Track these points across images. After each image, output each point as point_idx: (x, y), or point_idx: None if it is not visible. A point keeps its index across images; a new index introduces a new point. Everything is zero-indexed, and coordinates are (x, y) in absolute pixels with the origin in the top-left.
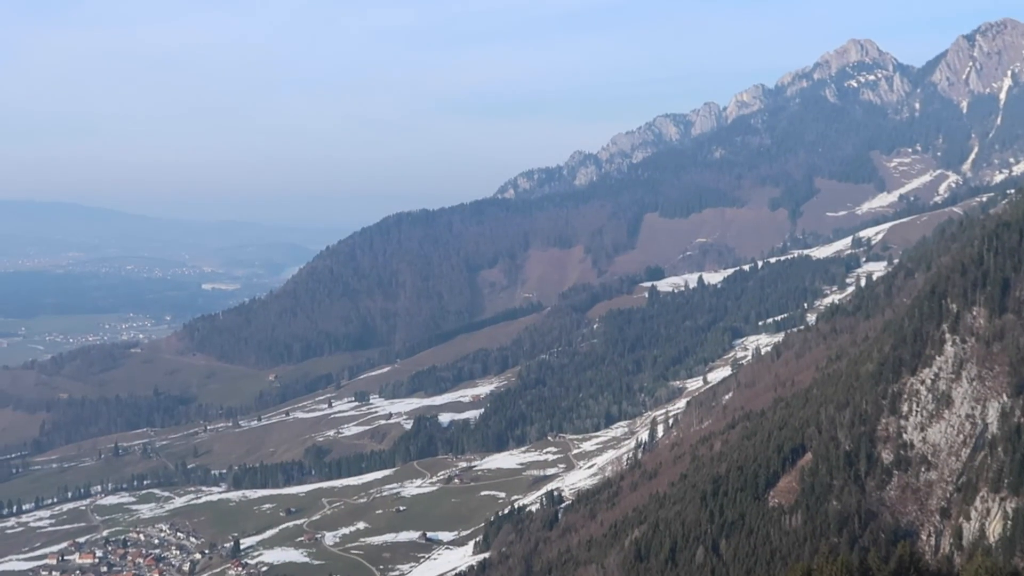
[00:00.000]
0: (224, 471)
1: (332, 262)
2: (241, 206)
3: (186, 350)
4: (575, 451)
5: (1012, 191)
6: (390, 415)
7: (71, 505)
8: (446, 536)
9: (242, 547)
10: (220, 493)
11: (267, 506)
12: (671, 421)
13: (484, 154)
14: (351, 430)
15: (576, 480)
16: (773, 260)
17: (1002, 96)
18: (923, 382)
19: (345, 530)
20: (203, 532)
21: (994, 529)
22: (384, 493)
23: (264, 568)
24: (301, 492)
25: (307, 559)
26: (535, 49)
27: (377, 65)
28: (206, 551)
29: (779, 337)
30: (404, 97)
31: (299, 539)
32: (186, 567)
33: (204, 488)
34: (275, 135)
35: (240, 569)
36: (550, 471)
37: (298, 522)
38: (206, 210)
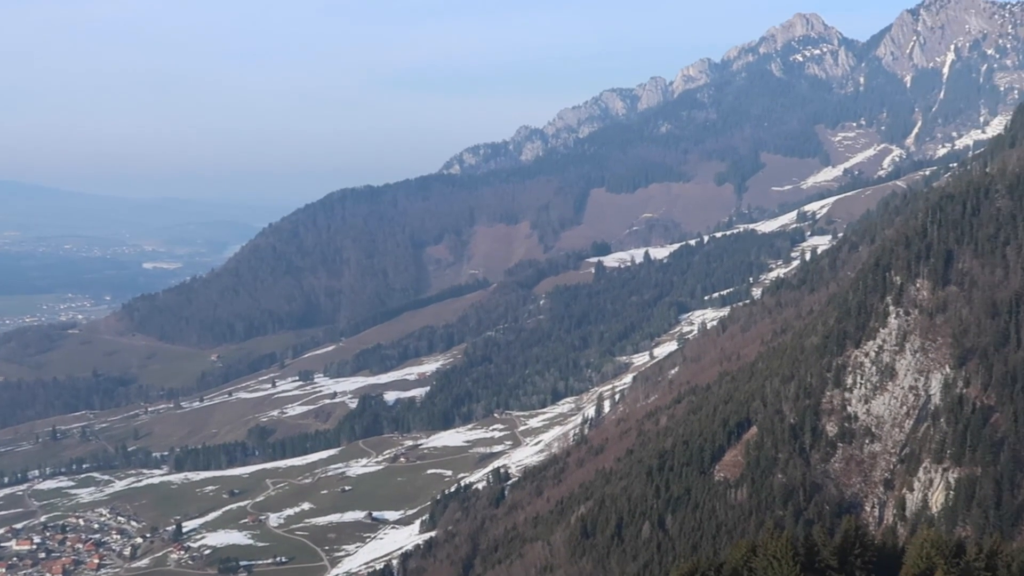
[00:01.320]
0: (165, 453)
1: (275, 239)
2: (183, 183)
3: (126, 330)
4: (521, 428)
5: (955, 165)
6: (335, 394)
7: (7, 490)
8: (392, 515)
9: (184, 530)
10: (161, 476)
11: (210, 488)
12: (617, 396)
13: (430, 129)
14: (295, 410)
15: (522, 457)
16: (719, 235)
17: (945, 71)
18: (867, 355)
19: (290, 511)
20: (144, 516)
21: (936, 499)
22: (329, 473)
23: (207, 551)
24: (245, 473)
25: (251, 541)
26: (482, 24)
27: (322, 38)
28: (147, 535)
29: (725, 311)
30: (349, 72)
31: (243, 521)
32: (127, 551)
33: (145, 471)
34: (219, 109)
35: (182, 552)
36: (496, 448)
37: (242, 504)
38: (148, 188)
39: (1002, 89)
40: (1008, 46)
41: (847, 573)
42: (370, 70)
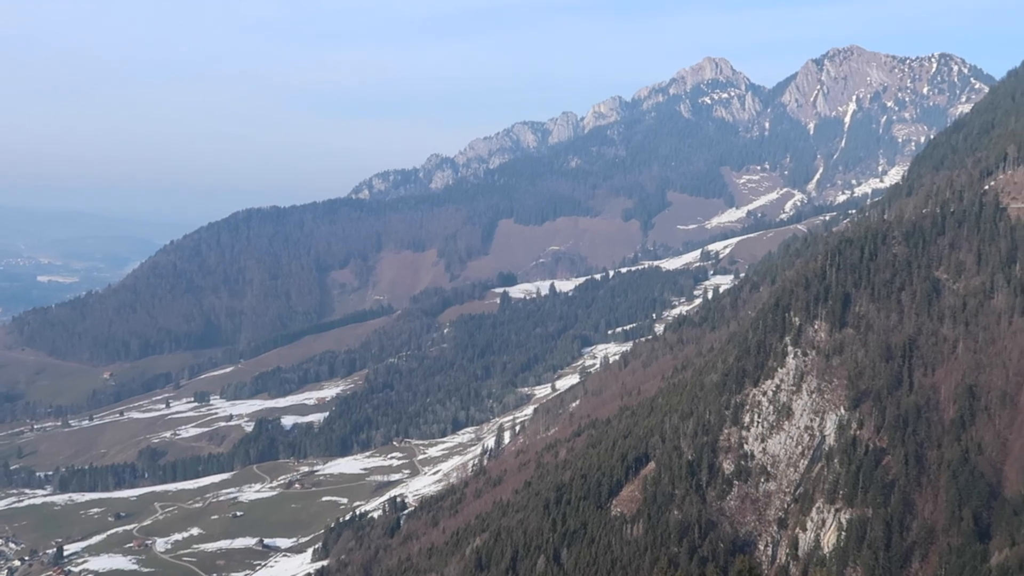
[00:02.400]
0: (50, 473)
1: (176, 257)
2: (84, 196)
3: (14, 344)
4: (420, 457)
5: (854, 211)
6: (231, 417)
7: None
8: (284, 542)
9: (66, 553)
10: (44, 496)
11: (95, 510)
12: (518, 428)
13: (339, 153)
14: (189, 432)
15: (420, 486)
16: (624, 270)
17: (847, 120)
18: (765, 393)
19: (178, 536)
20: (24, 537)
21: (828, 539)
22: (221, 498)
23: (88, 575)
24: (132, 496)
25: (135, 566)
26: (396, 51)
27: (234, 57)
28: (26, 557)
29: (627, 346)
30: (260, 91)
31: (128, 545)
32: (3, 574)
33: (27, 491)
34: (125, 124)
35: None
36: (394, 477)
37: (128, 527)
38: (46, 198)
39: (900, 140)
40: (907, 99)
41: None
42: (282, 91)
